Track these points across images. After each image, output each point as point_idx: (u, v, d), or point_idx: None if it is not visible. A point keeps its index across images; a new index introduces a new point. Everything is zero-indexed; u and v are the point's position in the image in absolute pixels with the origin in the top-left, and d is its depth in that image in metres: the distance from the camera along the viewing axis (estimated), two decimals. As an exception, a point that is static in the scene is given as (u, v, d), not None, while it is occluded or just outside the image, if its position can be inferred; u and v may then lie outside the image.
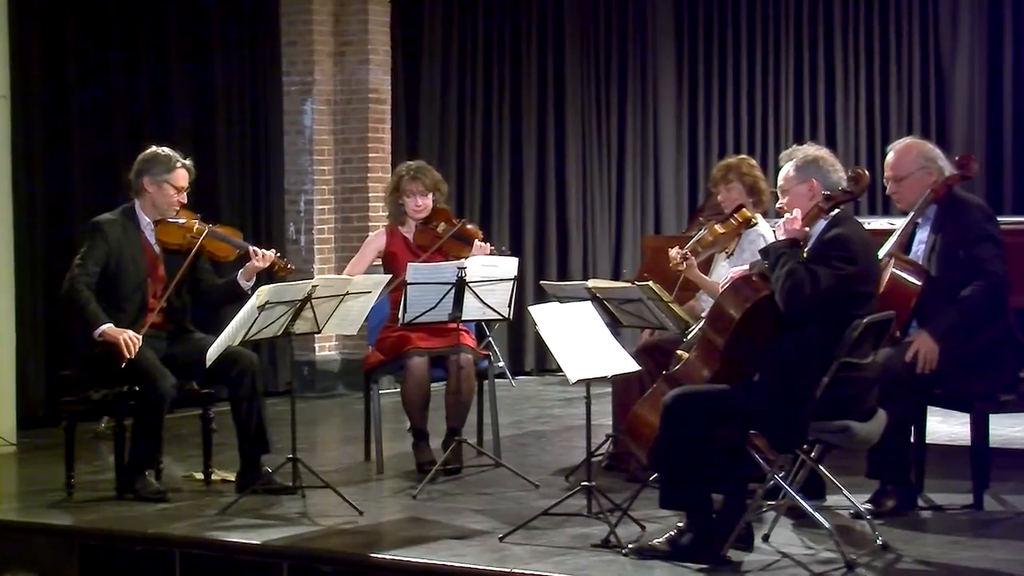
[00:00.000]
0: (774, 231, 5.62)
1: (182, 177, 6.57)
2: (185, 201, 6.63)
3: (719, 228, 6.65)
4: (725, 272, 6.52)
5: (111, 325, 6.31)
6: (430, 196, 7.20)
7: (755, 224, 6.64)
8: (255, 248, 6.63)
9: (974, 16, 12.49)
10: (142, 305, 6.47)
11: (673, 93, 12.78)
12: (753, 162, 6.91)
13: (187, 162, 6.62)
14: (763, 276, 5.26)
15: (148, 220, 6.59)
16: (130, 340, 6.28)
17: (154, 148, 6.69)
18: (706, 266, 6.84)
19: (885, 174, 6.13)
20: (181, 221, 6.60)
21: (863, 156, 12.65)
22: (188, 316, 6.71)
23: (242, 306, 6.08)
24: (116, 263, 6.46)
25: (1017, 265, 6.20)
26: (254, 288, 6.29)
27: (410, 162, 7.48)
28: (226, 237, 6.69)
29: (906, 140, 6.23)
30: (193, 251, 6.54)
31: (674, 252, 6.64)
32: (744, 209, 6.65)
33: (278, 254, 6.72)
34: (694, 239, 6.68)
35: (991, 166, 12.18)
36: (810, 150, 5.40)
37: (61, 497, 6.48)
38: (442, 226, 7.20)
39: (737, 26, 12.89)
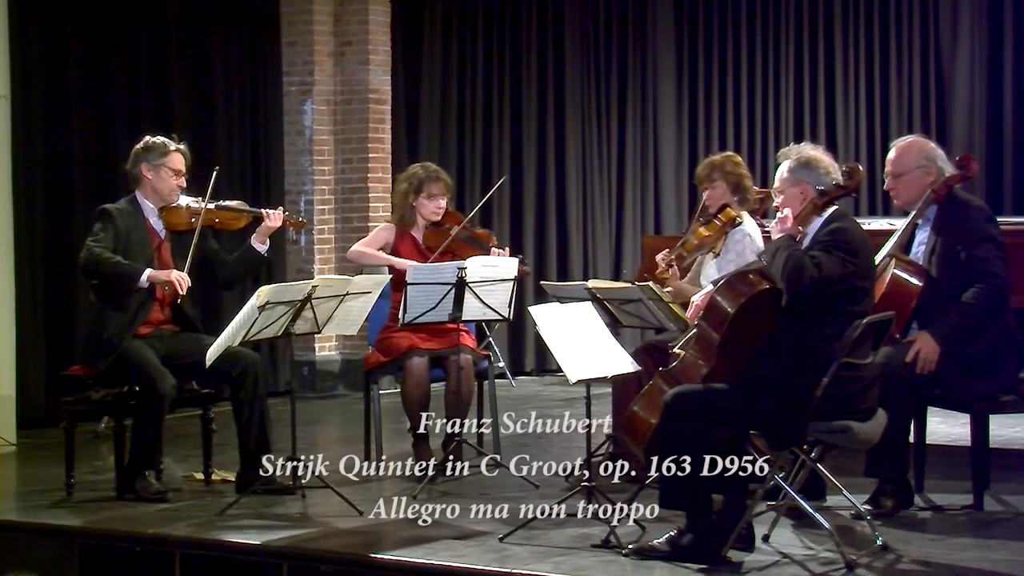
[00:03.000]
0: (769, 232, 5.62)
1: (178, 160, 6.62)
2: (184, 185, 6.66)
3: (704, 230, 6.63)
4: (713, 272, 6.54)
5: (151, 269, 6.38)
6: (446, 198, 7.21)
7: (740, 223, 6.62)
8: (266, 210, 6.69)
9: (974, 16, 12.48)
10: (148, 291, 6.47)
11: (673, 93, 12.78)
12: (738, 159, 6.87)
13: (182, 146, 6.67)
14: (759, 272, 5.26)
15: (152, 207, 6.62)
16: (180, 278, 6.37)
17: (147, 137, 6.73)
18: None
19: (885, 169, 6.15)
20: (185, 202, 6.62)
21: (863, 155, 12.64)
22: (195, 311, 6.71)
23: (260, 273, 6.10)
24: (123, 248, 6.47)
25: (1017, 266, 6.20)
26: (256, 284, 6.31)
27: (425, 164, 7.42)
28: (235, 207, 6.74)
29: (910, 138, 6.25)
30: (199, 226, 6.54)
31: (660, 258, 6.64)
32: (729, 208, 6.63)
33: (287, 212, 6.75)
34: (679, 244, 6.66)
35: (991, 166, 12.17)
36: (805, 151, 5.39)
37: (61, 497, 6.48)
38: (454, 228, 7.19)
39: (737, 26, 12.88)
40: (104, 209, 6.56)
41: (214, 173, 6.70)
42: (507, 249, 7.25)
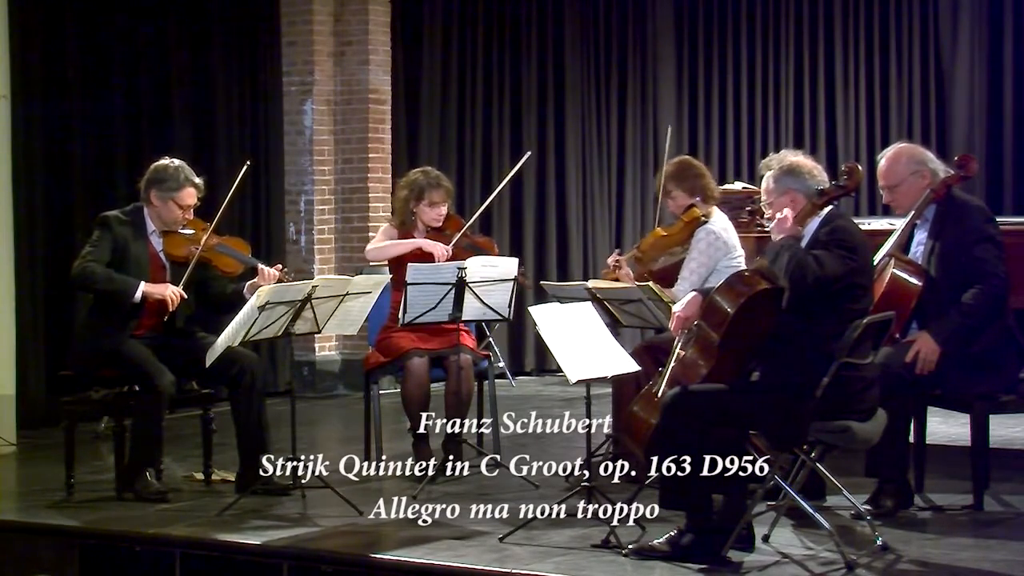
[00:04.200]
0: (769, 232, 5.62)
1: (189, 196, 6.54)
2: (191, 217, 6.59)
3: (660, 230, 6.69)
4: (684, 272, 6.59)
5: (144, 283, 6.37)
6: (447, 204, 7.20)
7: (705, 222, 6.64)
8: (262, 266, 6.56)
9: (974, 16, 12.48)
10: (140, 307, 6.46)
11: (673, 93, 12.78)
12: (689, 163, 6.86)
13: (197, 180, 6.58)
14: (758, 272, 5.26)
15: (154, 228, 6.59)
16: (174, 294, 6.38)
17: (166, 161, 6.64)
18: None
19: (879, 183, 6.12)
20: (188, 232, 6.58)
21: (863, 156, 12.62)
22: (195, 324, 6.69)
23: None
24: (120, 261, 6.45)
25: (1017, 266, 6.20)
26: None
27: (425, 169, 7.34)
28: (233, 252, 6.64)
29: (895, 147, 6.19)
30: (193, 263, 6.50)
31: (611, 260, 6.64)
32: (694, 208, 6.67)
33: (284, 269, 6.64)
34: (635, 245, 6.69)
35: (991, 167, 12.17)
36: (787, 159, 5.37)
37: (61, 497, 6.49)
38: (456, 234, 7.18)
39: (737, 26, 12.89)
40: (105, 217, 6.52)
41: (245, 167, 6.67)
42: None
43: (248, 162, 6.82)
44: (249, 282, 6.53)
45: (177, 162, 6.64)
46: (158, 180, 6.55)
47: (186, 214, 6.56)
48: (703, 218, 6.65)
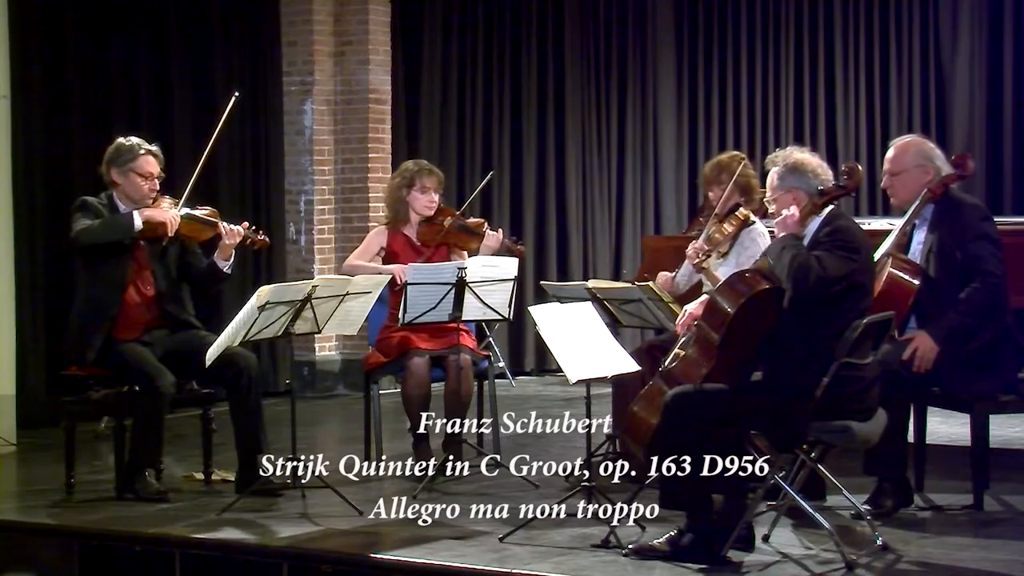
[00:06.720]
0: (771, 231, 5.62)
1: (146, 163, 6.51)
2: (157, 188, 6.56)
3: (726, 227, 6.56)
4: (730, 271, 6.51)
5: (139, 211, 6.39)
6: (439, 193, 7.23)
7: (753, 223, 6.61)
8: (225, 225, 6.55)
9: (974, 16, 12.48)
10: (120, 285, 6.45)
11: (673, 93, 12.78)
12: (743, 157, 6.84)
13: (152, 148, 6.56)
14: (759, 272, 5.26)
15: (126, 208, 6.58)
16: (174, 217, 6.41)
17: (120, 139, 6.63)
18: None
19: (884, 167, 6.17)
20: (163, 206, 6.57)
21: (863, 156, 12.64)
22: (186, 309, 6.68)
23: (223, 287, 6.04)
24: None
25: (1017, 265, 6.20)
26: (256, 284, 6.31)
27: (417, 159, 7.46)
28: (200, 218, 6.61)
29: (908, 137, 6.29)
30: (156, 235, 6.48)
31: (691, 251, 6.54)
32: (741, 208, 6.63)
33: (251, 227, 6.64)
34: (703, 239, 6.58)
35: (991, 166, 12.16)
36: (792, 156, 5.35)
37: (61, 497, 6.49)
38: (448, 220, 7.20)
39: (737, 26, 12.88)
40: (84, 200, 6.52)
41: (232, 99, 6.66)
42: (500, 230, 7.28)
43: (236, 94, 6.78)
44: (218, 247, 6.55)
45: (133, 138, 6.62)
46: (115, 157, 6.54)
47: (150, 185, 6.52)
48: (751, 219, 6.57)
